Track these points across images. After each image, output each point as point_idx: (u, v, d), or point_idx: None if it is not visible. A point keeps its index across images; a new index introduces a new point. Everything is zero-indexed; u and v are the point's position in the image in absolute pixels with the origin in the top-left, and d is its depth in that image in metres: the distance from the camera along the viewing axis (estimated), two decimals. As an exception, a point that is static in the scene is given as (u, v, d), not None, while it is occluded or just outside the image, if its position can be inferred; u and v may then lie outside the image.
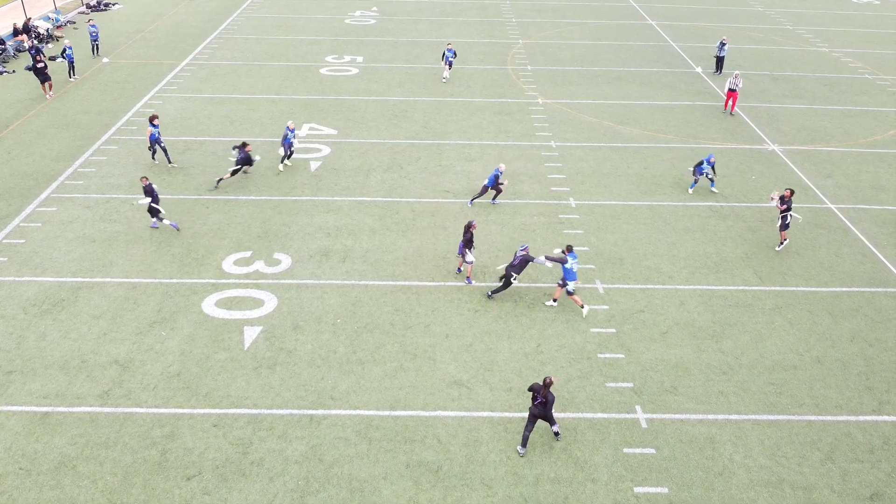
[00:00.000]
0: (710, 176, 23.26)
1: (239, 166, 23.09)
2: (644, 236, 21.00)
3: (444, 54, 32.67)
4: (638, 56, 37.28)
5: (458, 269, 19.20)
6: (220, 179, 23.13)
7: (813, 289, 18.84)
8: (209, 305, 17.63)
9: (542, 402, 13.37)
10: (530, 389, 13.56)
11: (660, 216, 22.11)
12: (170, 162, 24.60)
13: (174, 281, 18.52)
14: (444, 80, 32.84)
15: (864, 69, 36.40)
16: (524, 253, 17.50)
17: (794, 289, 18.82)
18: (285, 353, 16.12)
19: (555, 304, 17.87)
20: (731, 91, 29.80)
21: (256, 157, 23.57)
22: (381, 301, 17.95)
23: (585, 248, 20.26)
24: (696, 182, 23.35)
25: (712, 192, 23.40)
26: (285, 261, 19.46)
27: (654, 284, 18.83)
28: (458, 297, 18.15)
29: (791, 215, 20.25)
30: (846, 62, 37.42)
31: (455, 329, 17.03)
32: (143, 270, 18.91)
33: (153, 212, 20.56)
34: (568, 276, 17.26)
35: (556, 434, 13.92)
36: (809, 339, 16.95)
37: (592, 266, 19.50)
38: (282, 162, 24.46)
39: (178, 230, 20.60)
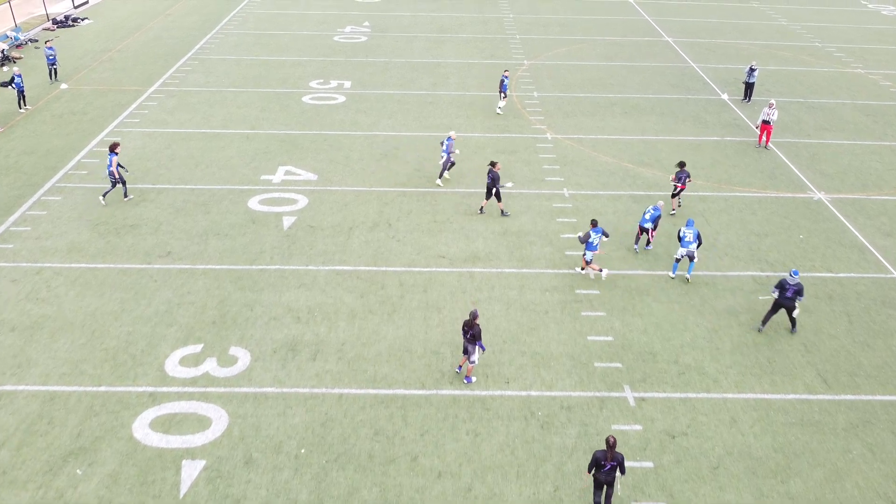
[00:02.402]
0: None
1: (495, 188, 21.25)
2: (678, 320, 17.43)
3: (501, 82, 28.58)
4: (656, 80, 33.65)
5: (459, 366, 15.63)
6: (482, 208, 21.89)
7: (893, 398, 15.26)
8: (142, 426, 14.07)
9: (613, 467, 11.93)
10: (594, 458, 12.00)
11: (696, 291, 18.54)
12: (104, 196, 21.99)
13: (102, 389, 14.95)
14: (498, 112, 29.21)
15: (907, 94, 32.82)
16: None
17: (870, 398, 15.24)
18: None
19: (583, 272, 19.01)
20: (766, 123, 26.27)
21: (509, 184, 22.33)
22: (358, 419, 14.37)
23: (609, 338, 16.70)
24: None
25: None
26: (243, 358, 15.89)
27: (696, 392, 15.26)
28: (453, 413, 14.58)
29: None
30: (886, 86, 33.81)
31: (450, 463, 13.46)
32: (68, 373, 15.34)
33: None
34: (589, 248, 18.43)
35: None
36: (900, 478, 13.39)
37: (619, 365, 15.92)
38: (440, 176, 23.54)
39: None
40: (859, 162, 25.97)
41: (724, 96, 31.74)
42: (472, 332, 14.66)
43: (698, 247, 18.66)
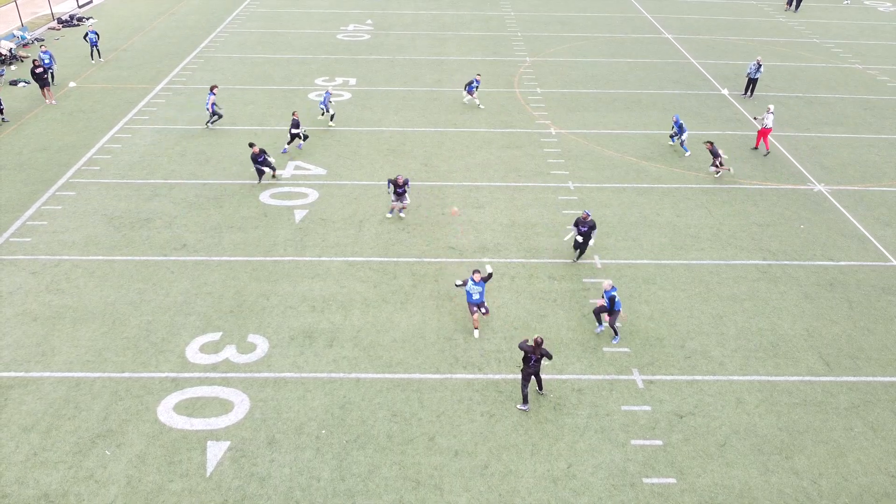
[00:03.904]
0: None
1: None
2: (685, 307, 17.90)
3: (470, 83, 29.12)
4: (657, 76, 34.14)
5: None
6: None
7: (893, 379, 15.74)
8: (166, 410, 14.50)
9: (538, 359, 14.23)
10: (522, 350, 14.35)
11: (700, 279, 19.00)
12: (207, 124, 27.50)
13: (126, 375, 15.37)
14: (478, 104, 29.71)
15: (904, 89, 33.34)
16: None
17: (871, 379, 15.72)
18: (257, 482, 12.99)
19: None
20: (766, 129, 25.87)
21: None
22: (376, 402, 14.82)
23: (617, 325, 17.14)
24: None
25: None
26: (261, 346, 16.32)
27: (702, 375, 15.73)
28: (468, 396, 15.02)
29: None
30: (883, 81, 34.32)
31: (466, 442, 13.90)
32: (91, 361, 15.76)
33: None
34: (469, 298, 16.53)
35: None
36: (901, 454, 13.87)
37: (627, 350, 16.38)
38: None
39: None
40: (858, 155, 26.46)
41: (725, 91, 32.23)
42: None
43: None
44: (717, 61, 36.51)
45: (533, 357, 14.21)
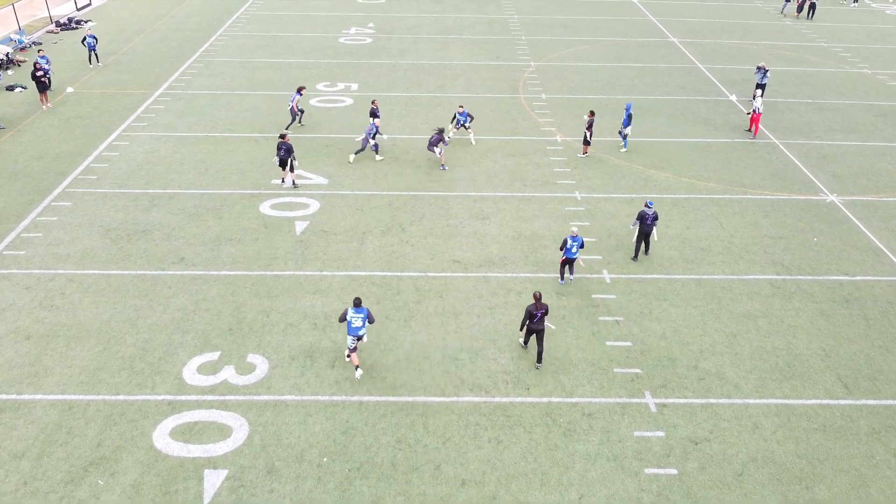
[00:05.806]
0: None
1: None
2: (697, 325, 17.37)
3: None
4: (663, 81, 33.59)
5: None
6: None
7: (914, 402, 15.23)
8: (162, 436, 13.98)
9: (542, 315, 15.34)
10: (526, 311, 15.36)
11: (712, 296, 18.47)
12: (301, 122, 27.63)
13: (121, 398, 14.85)
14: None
15: (915, 95, 32.78)
16: None
17: (891, 402, 15.19)
18: (256, 514, 12.49)
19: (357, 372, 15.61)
20: (757, 114, 27.46)
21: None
22: (379, 427, 14.30)
23: (627, 343, 16.63)
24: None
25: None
26: (261, 366, 15.80)
27: (717, 398, 15.20)
28: (475, 421, 14.50)
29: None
30: (893, 86, 33.76)
31: (473, 471, 13.39)
32: (85, 382, 15.24)
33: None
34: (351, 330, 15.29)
35: None
36: (925, 484, 13.34)
37: (638, 370, 15.85)
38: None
39: None
40: (870, 163, 25.93)
41: (732, 97, 31.69)
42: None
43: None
44: (724, 66, 35.95)
45: (538, 313, 15.20)
